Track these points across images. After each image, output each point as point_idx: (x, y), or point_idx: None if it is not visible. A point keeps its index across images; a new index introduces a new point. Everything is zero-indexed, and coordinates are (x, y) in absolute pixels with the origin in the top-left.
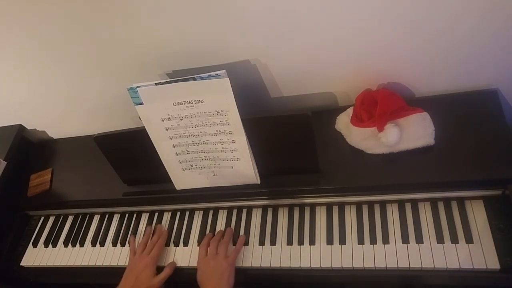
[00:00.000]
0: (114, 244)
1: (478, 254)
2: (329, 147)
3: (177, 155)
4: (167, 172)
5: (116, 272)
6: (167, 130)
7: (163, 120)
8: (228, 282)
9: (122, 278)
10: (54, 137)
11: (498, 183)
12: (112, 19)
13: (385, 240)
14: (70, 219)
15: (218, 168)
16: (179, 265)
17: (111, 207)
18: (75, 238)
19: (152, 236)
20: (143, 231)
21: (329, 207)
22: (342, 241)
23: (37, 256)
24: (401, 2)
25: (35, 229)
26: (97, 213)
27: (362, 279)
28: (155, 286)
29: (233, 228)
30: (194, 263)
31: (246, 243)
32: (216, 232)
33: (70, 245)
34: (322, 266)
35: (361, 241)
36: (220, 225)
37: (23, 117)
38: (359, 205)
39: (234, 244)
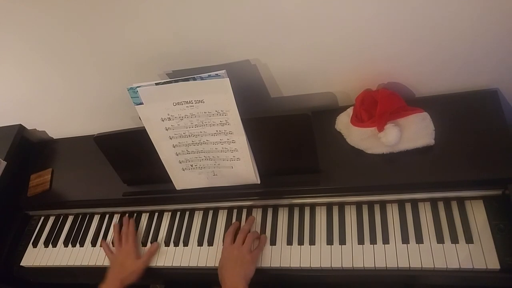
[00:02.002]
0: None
1: (478, 254)
2: (329, 147)
3: (177, 155)
4: (167, 172)
5: None
6: (167, 130)
7: (163, 120)
8: (247, 274)
9: (108, 272)
10: (54, 137)
11: (498, 183)
12: (113, 19)
13: (385, 240)
14: (70, 219)
15: (218, 168)
16: (179, 265)
17: (111, 207)
18: (75, 238)
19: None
20: (143, 231)
21: (329, 207)
22: (342, 241)
23: (37, 256)
24: (401, 2)
25: (35, 229)
26: (97, 213)
27: (362, 279)
28: (140, 268)
29: None
30: (194, 263)
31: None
32: (245, 222)
33: (70, 245)
34: (322, 266)
35: (361, 241)
36: (220, 225)
37: (23, 117)
38: (359, 205)
39: None
